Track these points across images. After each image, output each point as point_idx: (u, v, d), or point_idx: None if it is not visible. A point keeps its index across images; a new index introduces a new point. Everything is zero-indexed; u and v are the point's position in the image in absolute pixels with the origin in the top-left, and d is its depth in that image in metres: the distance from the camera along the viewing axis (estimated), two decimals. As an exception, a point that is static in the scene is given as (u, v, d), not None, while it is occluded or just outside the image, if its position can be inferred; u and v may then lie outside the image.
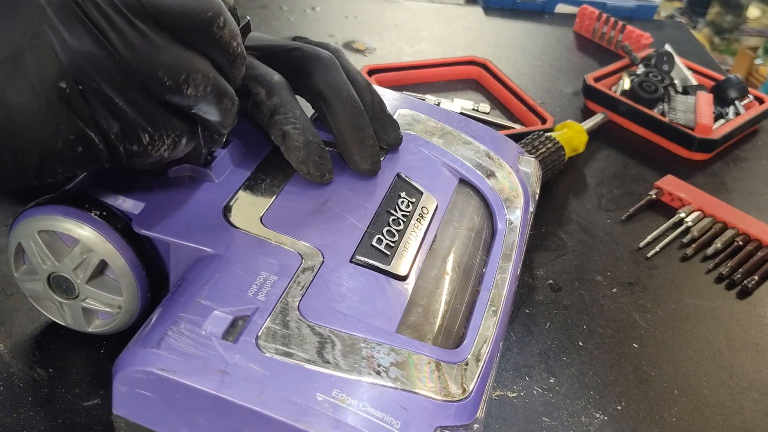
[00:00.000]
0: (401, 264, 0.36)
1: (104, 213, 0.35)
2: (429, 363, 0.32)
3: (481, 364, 0.34)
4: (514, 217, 0.43)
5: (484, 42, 0.85)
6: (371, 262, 0.35)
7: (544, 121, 0.65)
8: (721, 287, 0.52)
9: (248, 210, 0.36)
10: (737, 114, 0.70)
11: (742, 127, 0.68)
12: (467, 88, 0.74)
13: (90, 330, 0.39)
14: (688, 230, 0.56)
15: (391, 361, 0.31)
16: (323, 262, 0.34)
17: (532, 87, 0.75)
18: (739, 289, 0.51)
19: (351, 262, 0.35)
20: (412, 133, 0.45)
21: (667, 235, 0.55)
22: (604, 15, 0.85)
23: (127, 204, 0.36)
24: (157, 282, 0.37)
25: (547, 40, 0.87)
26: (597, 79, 0.72)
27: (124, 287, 0.36)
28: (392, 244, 0.37)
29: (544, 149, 0.57)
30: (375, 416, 0.28)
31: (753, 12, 2.13)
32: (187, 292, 0.32)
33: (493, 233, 0.42)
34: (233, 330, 0.30)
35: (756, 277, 0.51)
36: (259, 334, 0.30)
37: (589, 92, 0.71)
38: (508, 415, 0.40)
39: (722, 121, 0.69)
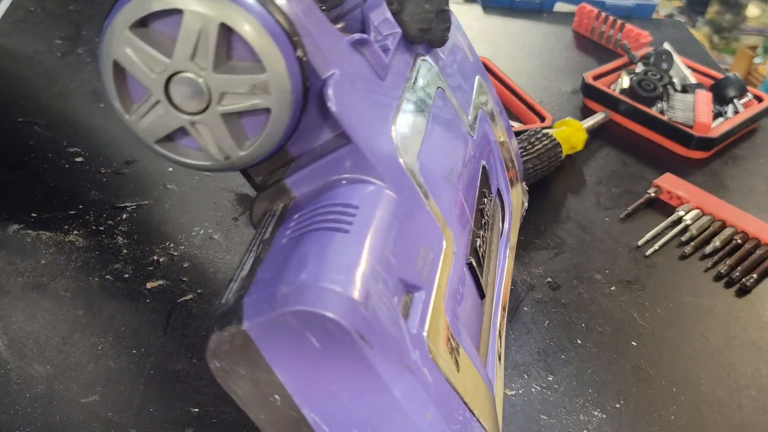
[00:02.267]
0: (486, 279, 0.33)
1: (305, 59, 0.27)
2: (494, 401, 0.30)
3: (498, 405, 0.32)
4: (512, 254, 0.41)
5: (483, 40, 0.85)
6: (476, 271, 0.32)
7: (542, 119, 0.65)
8: (719, 285, 0.52)
9: (407, 141, 0.30)
10: (736, 112, 0.70)
11: (741, 126, 0.68)
12: (466, 86, 0.74)
13: (155, 146, 0.29)
14: (686, 228, 0.56)
15: (488, 401, 0.29)
16: (454, 254, 0.30)
17: (531, 85, 0.75)
18: (737, 287, 0.51)
19: (466, 263, 0.32)
20: (486, 115, 0.41)
21: (666, 234, 0.55)
22: (603, 13, 0.85)
23: (320, 60, 0.28)
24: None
25: (546, 38, 0.87)
26: (596, 78, 0.72)
27: (258, 145, 0.28)
28: (483, 254, 0.33)
29: (540, 146, 0.57)
30: None
31: (752, 11, 2.13)
32: (377, 238, 0.26)
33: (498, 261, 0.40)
34: (403, 307, 0.26)
35: (754, 275, 0.51)
36: (426, 329, 0.26)
37: (588, 91, 0.71)
38: (506, 413, 0.40)
39: (721, 119, 0.69)
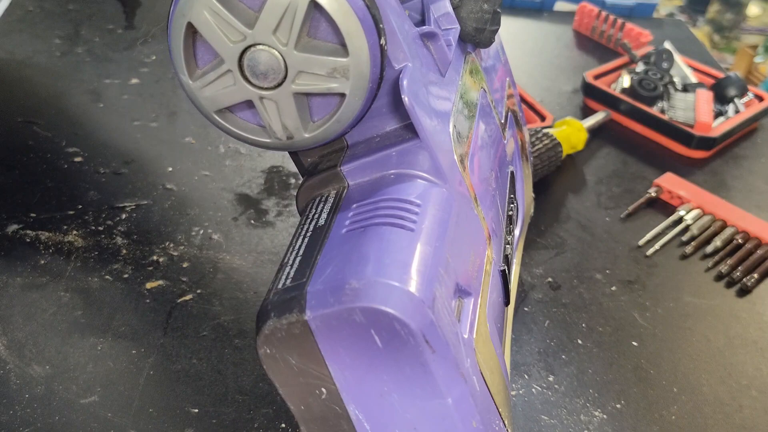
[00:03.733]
0: (510, 288, 0.33)
1: (386, 47, 0.27)
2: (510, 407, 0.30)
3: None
4: (520, 247, 0.41)
5: (484, 39, 0.85)
6: (507, 278, 0.31)
7: (543, 118, 0.65)
8: (720, 285, 0.51)
9: (459, 143, 0.30)
10: (737, 112, 0.70)
11: (742, 125, 0.68)
12: (466, 85, 0.74)
13: (214, 116, 0.28)
14: (687, 228, 0.56)
15: (510, 409, 0.29)
16: (493, 261, 0.30)
17: (532, 85, 0.75)
18: (738, 287, 0.51)
19: (500, 270, 0.31)
20: (513, 118, 0.40)
21: (667, 233, 0.55)
22: (604, 13, 0.85)
23: (397, 50, 0.28)
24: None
25: (547, 37, 0.87)
26: (596, 77, 0.72)
27: (324, 129, 0.27)
28: (511, 261, 0.33)
29: (540, 145, 0.57)
30: None
31: (753, 10, 2.13)
32: (440, 240, 0.26)
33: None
34: (456, 312, 0.26)
35: (755, 275, 0.51)
36: (476, 336, 0.26)
37: (589, 90, 0.71)
38: (506, 413, 0.40)
39: (722, 118, 0.69)
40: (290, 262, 0.27)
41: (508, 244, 0.33)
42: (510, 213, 0.34)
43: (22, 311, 0.42)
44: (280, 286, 0.25)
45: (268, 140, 0.29)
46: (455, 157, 0.29)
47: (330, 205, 0.29)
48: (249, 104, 0.28)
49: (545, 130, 0.59)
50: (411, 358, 0.23)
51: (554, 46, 0.85)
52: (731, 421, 0.41)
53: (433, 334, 0.23)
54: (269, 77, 0.27)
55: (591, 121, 0.65)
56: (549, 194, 0.59)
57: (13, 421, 0.36)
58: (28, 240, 0.48)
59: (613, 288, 0.50)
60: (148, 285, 0.45)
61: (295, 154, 0.32)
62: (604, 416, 0.41)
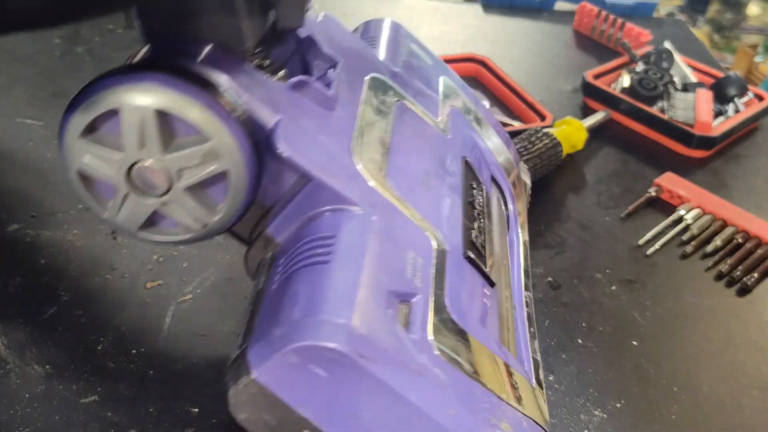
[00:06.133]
0: (491, 268, 0.34)
1: (245, 117, 0.28)
2: (534, 391, 0.30)
3: (543, 390, 0.33)
4: (524, 231, 0.41)
5: (483, 39, 0.85)
6: (477, 261, 0.32)
7: (543, 118, 0.65)
8: (720, 285, 0.51)
9: (371, 160, 0.32)
10: (737, 111, 0.70)
11: (742, 125, 0.68)
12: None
13: (139, 233, 0.32)
14: (687, 228, 0.56)
15: (520, 385, 0.29)
16: (447, 252, 0.31)
17: (531, 84, 0.75)
18: (738, 286, 0.51)
19: (464, 257, 0.32)
20: (459, 111, 0.41)
21: (667, 233, 0.55)
22: (604, 12, 0.85)
23: (263, 112, 0.29)
24: None
25: (547, 37, 0.87)
26: (596, 77, 0.72)
27: (228, 207, 0.30)
28: (483, 244, 0.34)
29: (540, 145, 0.57)
30: None
31: (753, 9, 2.13)
32: (357, 259, 0.27)
33: (510, 245, 0.40)
34: (401, 317, 0.27)
35: (756, 275, 0.51)
36: (430, 330, 0.27)
37: (589, 90, 0.71)
38: (507, 413, 0.40)
39: (722, 118, 0.69)
40: (240, 331, 0.28)
41: (473, 229, 0.33)
42: (471, 199, 0.35)
43: (22, 311, 0.42)
44: (233, 356, 0.27)
45: (189, 235, 0.31)
46: (366, 178, 0.30)
47: (267, 267, 0.31)
48: (159, 213, 0.31)
49: (545, 130, 0.59)
50: (357, 376, 0.25)
51: (554, 46, 0.85)
52: (731, 420, 0.41)
53: (366, 348, 0.24)
54: (158, 185, 0.29)
55: (591, 120, 0.65)
56: (549, 194, 0.59)
57: (13, 421, 0.36)
58: (28, 240, 0.48)
59: (613, 287, 0.50)
60: (148, 285, 0.45)
61: (232, 233, 0.34)
62: (604, 415, 0.41)
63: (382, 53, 0.42)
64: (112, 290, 0.45)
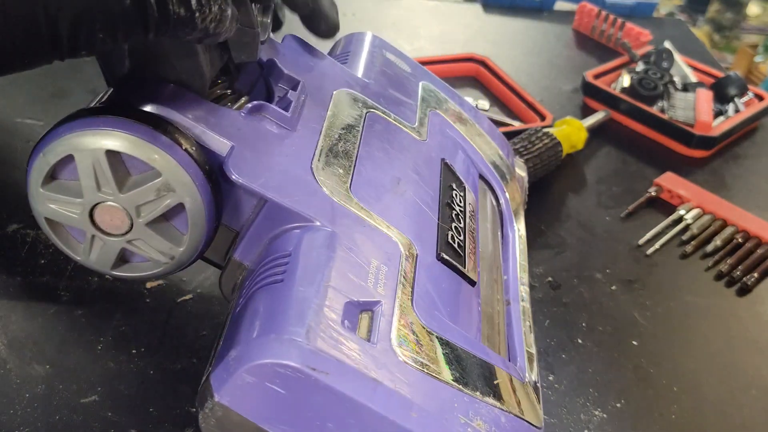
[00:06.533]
0: (471, 267, 0.34)
1: (194, 149, 0.29)
2: (522, 386, 0.31)
3: (540, 385, 0.33)
4: (521, 226, 0.42)
5: (483, 39, 0.85)
6: (453, 262, 0.33)
7: (543, 118, 0.65)
8: (720, 284, 0.51)
9: (334, 174, 0.32)
10: (737, 111, 0.70)
11: (742, 125, 0.68)
12: (466, 85, 0.74)
13: (112, 272, 0.33)
14: (687, 227, 0.56)
15: (500, 382, 0.29)
16: (417, 255, 0.31)
17: (531, 84, 0.75)
18: (738, 286, 0.51)
19: (438, 259, 0.32)
20: (440, 114, 0.42)
21: (667, 233, 0.55)
22: (604, 12, 0.85)
23: (214, 141, 0.30)
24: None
25: (547, 37, 0.87)
26: (596, 77, 0.72)
27: (191, 237, 0.31)
28: (462, 244, 0.34)
29: (540, 145, 0.57)
30: None
31: (753, 9, 2.13)
32: (311, 273, 0.28)
33: (503, 238, 0.41)
34: (363, 326, 0.27)
35: (756, 275, 0.51)
36: (392, 337, 0.27)
37: (589, 89, 0.71)
38: (507, 413, 0.40)
39: (722, 118, 0.69)
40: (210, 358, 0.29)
41: (450, 230, 0.34)
42: (448, 201, 0.35)
43: (22, 311, 0.42)
44: (201, 382, 0.28)
45: (161, 269, 0.32)
46: (325, 190, 0.31)
47: (236, 291, 0.31)
48: (128, 251, 0.32)
49: (545, 130, 0.59)
50: (313, 389, 0.25)
51: (554, 46, 0.85)
52: (731, 420, 0.41)
53: (318, 361, 0.25)
54: (120, 224, 0.30)
55: (590, 120, 0.65)
56: (549, 194, 0.59)
57: (13, 421, 0.36)
58: (28, 240, 0.48)
59: (613, 287, 0.50)
60: (148, 285, 0.45)
61: (206, 260, 0.35)
62: (604, 415, 0.41)
63: (354, 66, 0.42)
64: (112, 290, 0.45)
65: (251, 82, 0.38)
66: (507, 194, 0.42)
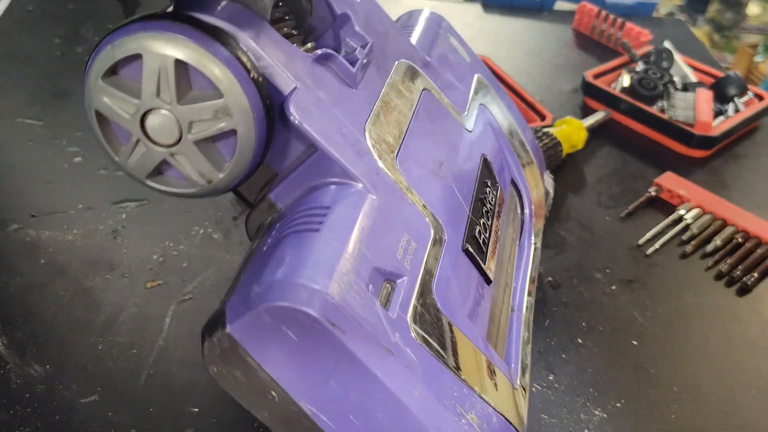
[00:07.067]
0: (490, 265, 0.34)
1: (261, 79, 0.29)
2: (514, 391, 0.31)
3: (527, 394, 0.33)
4: (538, 240, 0.42)
5: (483, 39, 0.85)
6: (476, 256, 0.33)
7: (543, 117, 0.65)
8: (720, 284, 0.51)
9: (384, 141, 0.32)
10: (737, 111, 0.70)
11: (742, 124, 0.68)
12: (466, 85, 0.74)
13: (147, 182, 0.32)
14: (687, 227, 0.56)
15: (497, 383, 0.30)
16: (445, 241, 0.32)
17: (531, 84, 0.75)
18: (738, 286, 0.51)
19: (463, 250, 0.33)
20: (488, 110, 0.42)
21: (667, 232, 0.55)
22: (604, 12, 0.85)
23: (280, 77, 0.30)
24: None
25: (546, 37, 0.87)
26: (596, 76, 0.72)
27: (234, 165, 0.30)
28: (486, 241, 0.35)
29: (540, 145, 0.57)
30: None
31: (753, 9, 2.13)
32: (347, 232, 0.28)
33: (519, 247, 0.41)
34: (383, 294, 0.27)
35: (756, 274, 0.51)
36: (410, 312, 0.27)
37: (589, 89, 0.71)
38: (507, 413, 0.40)
39: (722, 118, 0.69)
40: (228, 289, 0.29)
41: (477, 225, 0.34)
42: (482, 196, 0.36)
43: (22, 311, 0.42)
44: (215, 310, 0.28)
45: (194, 189, 0.32)
46: (374, 157, 0.31)
47: (264, 230, 0.31)
48: (168, 163, 0.31)
49: (545, 129, 0.59)
50: (326, 343, 0.25)
51: (554, 46, 0.85)
52: (731, 420, 0.41)
53: (338, 317, 0.25)
54: (169, 134, 0.30)
55: (591, 120, 0.65)
56: (549, 193, 0.59)
57: (13, 421, 0.36)
58: (28, 240, 0.48)
59: (613, 287, 0.50)
60: (148, 285, 0.45)
61: (239, 194, 0.35)
62: (604, 415, 0.41)
63: (420, 42, 0.42)
64: (112, 290, 0.45)
65: (322, 29, 0.38)
66: (533, 204, 0.42)
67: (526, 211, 0.42)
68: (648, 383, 0.43)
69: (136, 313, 0.43)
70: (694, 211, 0.57)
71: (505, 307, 0.36)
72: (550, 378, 0.42)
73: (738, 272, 0.51)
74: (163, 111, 0.29)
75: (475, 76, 0.44)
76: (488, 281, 0.34)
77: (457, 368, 0.28)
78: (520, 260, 0.40)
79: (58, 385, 0.38)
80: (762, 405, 0.42)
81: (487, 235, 0.35)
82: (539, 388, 0.42)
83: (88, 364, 0.40)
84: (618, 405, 0.41)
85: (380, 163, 0.31)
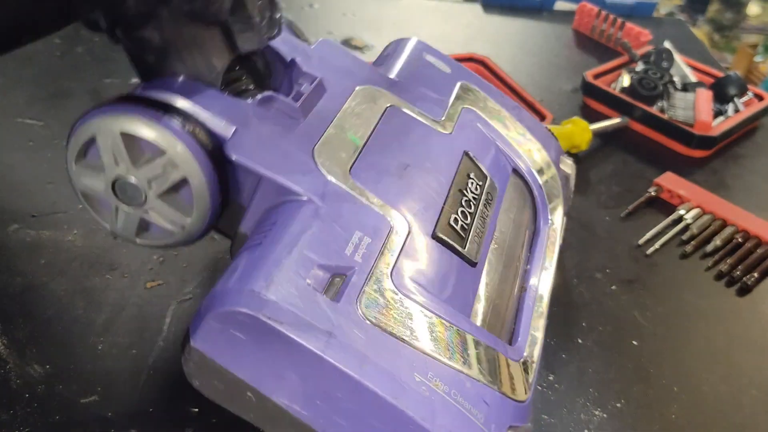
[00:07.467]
0: (474, 249, 0.36)
1: (196, 130, 0.33)
2: (505, 360, 0.33)
3: (535, 366, 0.35)
4: (555, 218, 0.44)
5: (483, 39, 0.85)
6: (450, 241, 0.35)
7: (543, 118, 0.65)
8: (720, 284, 0.51)
9: (335, 158, 0.36)
10: (737, 111, 0.70)
11: (742, 124, 0.68)
12: (466, 85, 0.74)
13: (137, 241, 0.37)
14: (687, 227, 0.56)
15: (477, 352, 0.31)
16: (409, 232, 0.34)
17: (531, 84, 0.75)
18: (738, 286, 0.51)
19: (432, 237, 0.35)
20: (475, 110, 0.45)
21: (667, 232, 0.55)
22: (604, 12, 0.85)
23: (218, 125, 0.34)
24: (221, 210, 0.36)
25: (546, 37, 0.87)
26: (596, 76, 0.72)
27: (197, 209, 0.34)
28: (466, 227, 0.37)
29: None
30: (463, 406, 0.29)
31: (753, 9, 2.13)
32: (287, 238, 0.31)
33: (534, 231, 0.43)
34: (332, 287, 0.30)
35: (756, 274, 0.51)
36: (359, 298, 0.30)
37: (589, 89, 0.71)
38: (507, 413, 0.40)
39: (722, 118, 0.69)
40: None
41: (454, 213, 0.37)
42: (461, 188, 0.38)
43: (22, 311, 0.42)
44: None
45: (174, 239, 0.36)
46: (322, 170, 0.34)
47: None
48: (146, 220, 0.35)
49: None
50: (272, 336, 0.27)
51: (554, 46, 0.85)
52: (731, 420, 0.41)
53: (274, 310, 0.27)
54: (136, 195, 0.34)
55: (603, 124, 0.65)
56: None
57: (13, 421, 0.36)
58: (28, 240, 0.48)
59: (613, 287, 0.50)
60: (148, 285, 0.45)
61: (223, 233, 0.39)
62: (605, 415, 0.41)
63: (390, 67, 0.46)
64: (112, 290, 0.45)
65: (280, 80, 0.41)
66: (544, 190, 0.44)
67: (536, 195, 0.44)
68: (648, 383, 0.43)
69: (136, 313, 0.43)
70: (694, 211, 0.57)
71: (509, 287, 0.38)
72: (550, 378, 0.42)
73: (738, 272, 0.52)
74: (126, 177, 0.34)
75: (458, 84, 0.46)
76: (472, 264, 0.36)
77: (417, 341, 0.29)
78: (536, 243, 0.42)
79: (58, 385, 0.38)
80: (762, 405, 0.42)
81: (468, 222, 0.37)
82: (539, 388, 0.42)
83: (88, 364, 0.40)
84: (618, 405, 0.41)
85: (329, 177, 0.34)
